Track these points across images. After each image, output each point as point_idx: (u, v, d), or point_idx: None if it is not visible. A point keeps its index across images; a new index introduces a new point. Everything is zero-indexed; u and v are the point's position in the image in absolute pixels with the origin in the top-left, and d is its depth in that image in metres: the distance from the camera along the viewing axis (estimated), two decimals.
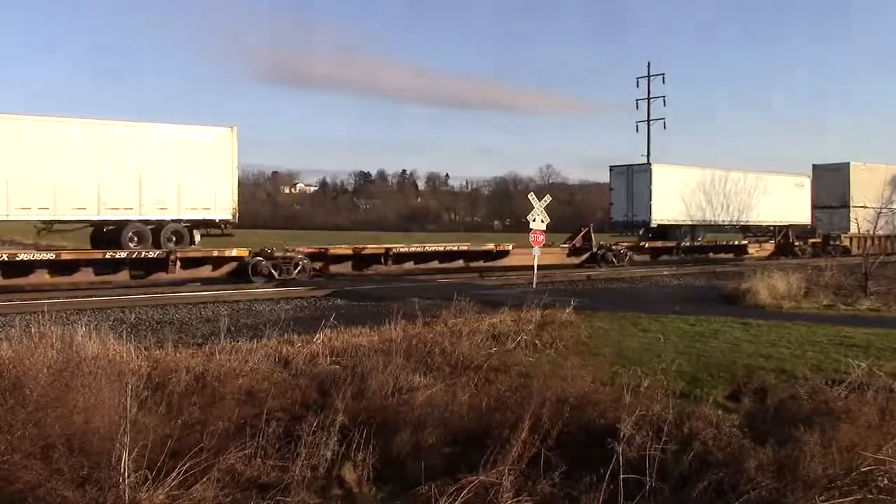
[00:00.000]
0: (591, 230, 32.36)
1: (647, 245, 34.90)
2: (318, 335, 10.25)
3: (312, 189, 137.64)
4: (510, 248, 29.96)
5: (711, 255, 37.54)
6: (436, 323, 11.51)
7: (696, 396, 7.85)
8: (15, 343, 7.95)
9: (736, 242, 39.40)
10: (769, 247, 39.50)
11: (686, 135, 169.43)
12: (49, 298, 15.70)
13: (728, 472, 5.35)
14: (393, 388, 7.66)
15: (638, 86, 50.59)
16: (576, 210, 72.86)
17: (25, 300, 16.84)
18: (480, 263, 28.99)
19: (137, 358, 8.40)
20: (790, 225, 40.03)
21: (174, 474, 5.12)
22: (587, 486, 5.33)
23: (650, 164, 36.49)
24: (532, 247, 23.52)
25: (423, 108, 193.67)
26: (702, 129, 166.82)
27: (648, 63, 55.55)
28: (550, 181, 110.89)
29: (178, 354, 8.87)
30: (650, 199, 33.84)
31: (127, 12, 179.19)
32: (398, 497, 5.55)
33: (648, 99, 50.29)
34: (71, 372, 6.96)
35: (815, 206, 41.12)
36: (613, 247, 32.70)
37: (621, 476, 5.19)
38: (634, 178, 34.68)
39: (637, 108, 50.96)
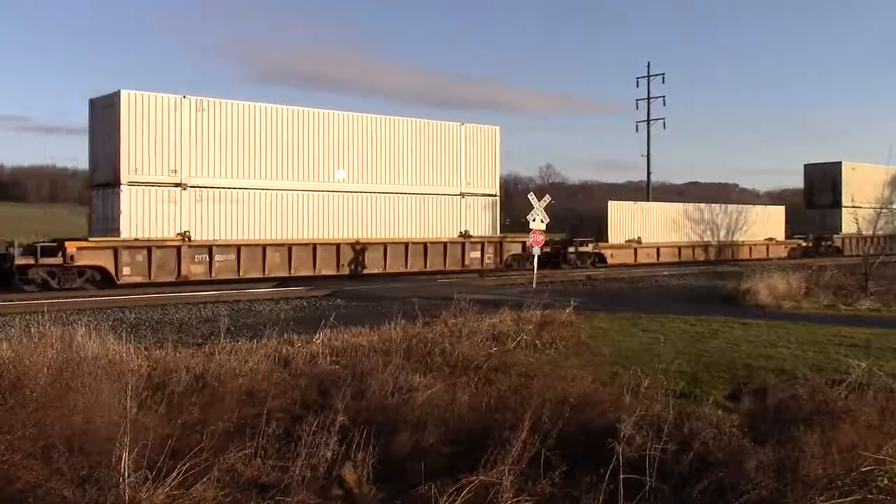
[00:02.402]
0: None
1: None
2: (318, 335, 10.25)
3: None
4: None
5: None
6: (436, 323, 11.51)
7: (696, 396, 7.86)
8: (15, 343, 7.94)
9: None
10: None
11: (687, 135, 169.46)
12: (49, 298, 15.72)
13: (728, 472, 5.35)
14: (393, 388, 7.66)
15: (638, 86, 50.52)
16: (575, 211, 72.76)
17: (25, 300, 16.84)
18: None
19: (137, 358, 8.40)
20: None
21: (174, 474, 5.11)
22: (587, 485, 5.33)
23: None
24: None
25: (423, 109, 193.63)
26: (702, 129, 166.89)
27: (648, 63, 55.43)
28: (550, 181, 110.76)
29: (178, 354, 8.88)
30: None
31: (128, 12, 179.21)
32: (398, 497, 5.55)
33: (648, 99, 50.30)
34: (71, 372, 6.95)
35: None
36: None
37: (621, 476, 5.18)
38: None
39: (637, 108, 50.87)
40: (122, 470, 4.93)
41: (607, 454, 5.44)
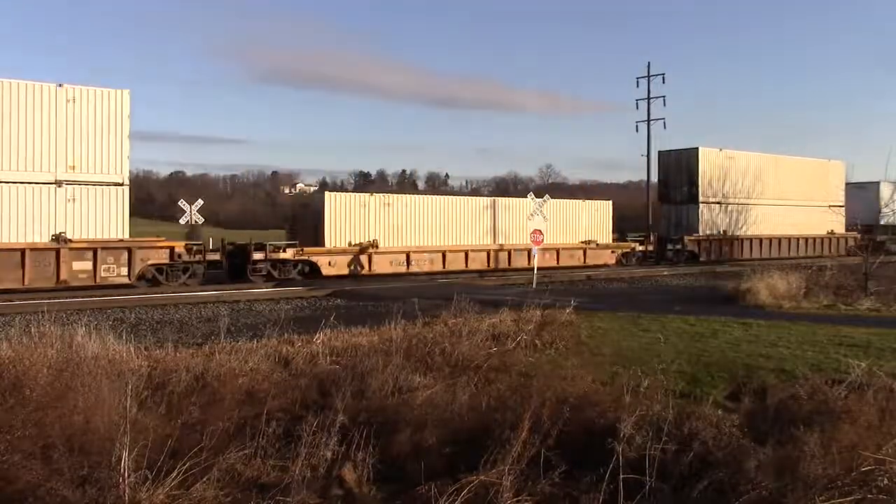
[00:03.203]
0: None
1: None
2: (318, 335, 10.25)
3: (312, 189, 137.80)
4: None
5: None
6: (436, 323, 11.52)
7: (696, 396, 7.85)
8: (15, 343, 7.94)
9: None
10: None
11: (687, 135, 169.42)
12: (49, 298, 15.72)
13: (728, 472, 5.35)
14: (393, 388, 7.66)
15: (638, 86, 50.36)
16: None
17: (25, 300, 16.83)
18: None
19: (137, 358, 8.40)
20: None
21: (174, 474, 5.12)
22: (587, 485, 5.33)
23: None
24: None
25: (423, 108, 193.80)
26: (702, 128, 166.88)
27: (648, 63, 55.07)
28: (550, 181, 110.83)
29: (178, 354, 8.88)
30: None
31: (127, 12, 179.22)
32: (398, 497, 5.55)
33: (648, 99, 50.21)
34: (71, 372, 6.95)
35: None
36: None
37: (621, 476, 5.18)
38: None
39: (637, 108, 50.77)
40: (122, 470, 4.93)
41: (607, 454, 5.44)
